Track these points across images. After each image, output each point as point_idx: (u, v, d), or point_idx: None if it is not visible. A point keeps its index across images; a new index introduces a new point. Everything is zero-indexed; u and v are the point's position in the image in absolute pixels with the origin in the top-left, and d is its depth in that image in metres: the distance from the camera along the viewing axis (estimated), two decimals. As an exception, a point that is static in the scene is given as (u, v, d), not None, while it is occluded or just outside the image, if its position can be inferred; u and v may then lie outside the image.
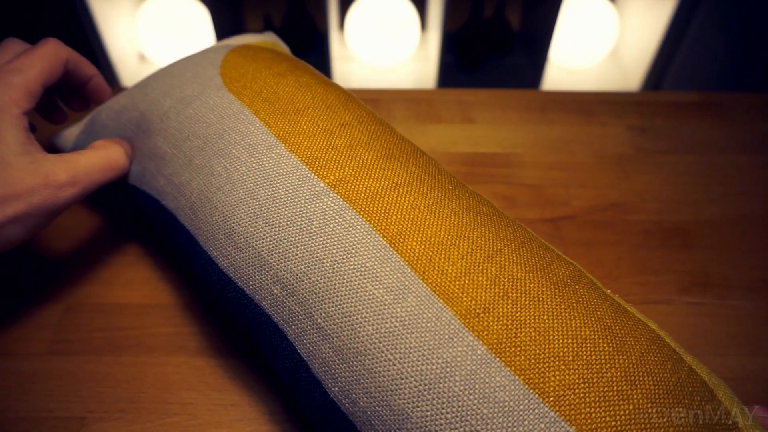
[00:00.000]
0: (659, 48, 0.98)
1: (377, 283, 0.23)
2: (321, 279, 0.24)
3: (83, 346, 0.32)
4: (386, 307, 0.23)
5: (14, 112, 0.27)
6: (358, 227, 0.25)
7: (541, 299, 0.23)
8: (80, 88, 0.33)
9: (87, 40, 0.97)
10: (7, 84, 0.27)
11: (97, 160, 0.29)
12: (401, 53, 1.06)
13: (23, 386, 0.30)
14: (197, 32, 1.03)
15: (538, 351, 0.21)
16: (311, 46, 1.11)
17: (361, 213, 0.25)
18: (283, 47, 0.41)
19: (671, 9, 0.94)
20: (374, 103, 0.48)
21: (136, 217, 0.38)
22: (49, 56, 0.29)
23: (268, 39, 0.40)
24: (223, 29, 0.98)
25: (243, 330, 0.32)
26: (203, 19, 1.03)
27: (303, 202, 0.26)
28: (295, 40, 1.08)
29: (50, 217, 0.28)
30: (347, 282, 0.24)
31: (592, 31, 1.04)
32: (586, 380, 0.21)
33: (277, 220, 0.26)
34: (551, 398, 0.20)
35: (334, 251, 0.24)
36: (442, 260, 0.24)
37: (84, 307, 0.34)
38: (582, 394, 0.20)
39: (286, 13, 1.07)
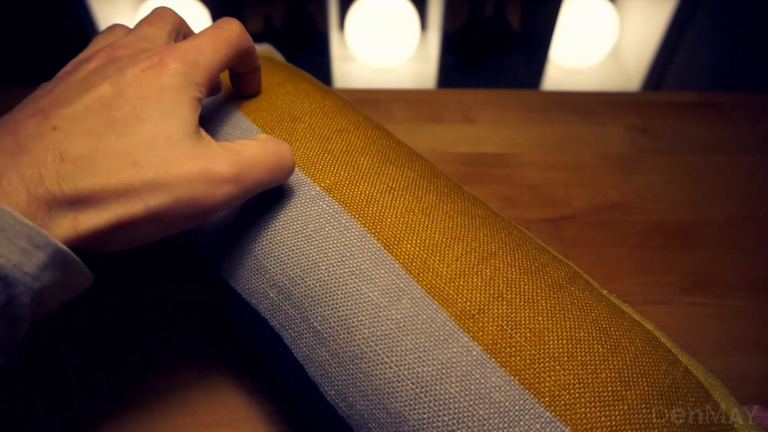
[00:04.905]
0: (659, 48, 0.98)
1: (372, 285, 0.23)
2: (317, 282, 0.24)
3: (83, 346, 0.32)
4: (382, 309, 0.23)
5: (194, 93, 0.23)
6: (353, 230, 0.25)
7: (535, 300, 0.23)
8: (237, 76, 0.30)
9: (87, 40, 0.97)
10: (193, 63, 0.23)
11: (266, 154, 0.24)
12: (401, 53, 1.06)
13: (23, 386, 0.30)
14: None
15: (533, 352, 0.21)
16: (311, 46, 1.11)
17: (356, 216, 0.25)
18: (279, 58, 0.41)
19: (671, 9, 0.94)
20: (374, 103, 0.48)
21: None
22: (236, 41, 0.25)
23: (266, 49, 0.40)
24: (223, 29, 0.98)
25: (240, 333, 0.32)
26: (203, 19, 1.03)
27: (298, 205, 0.26)
28: (295, 40, 1.08)
29: (193, 220, 0.22)
30: (342, 285, 0.24)
31: (592, 31, 1.04)
32: (581, 381, 0.21)
33: (272, 223, 0.26)
34: (547, 398, 0.20)
35: (330, 255, 0.24)
36: (437, 262, 0.24)
37: (84, 307, 0.34)
38: (577, 395, 0.20)
39: (286, 13, 1.07)
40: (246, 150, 0.23)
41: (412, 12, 1.03)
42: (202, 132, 0.23)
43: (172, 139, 0.21)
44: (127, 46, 0.24)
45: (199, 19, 1.03)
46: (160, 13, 0.26)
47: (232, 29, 0.25)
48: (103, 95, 0.21)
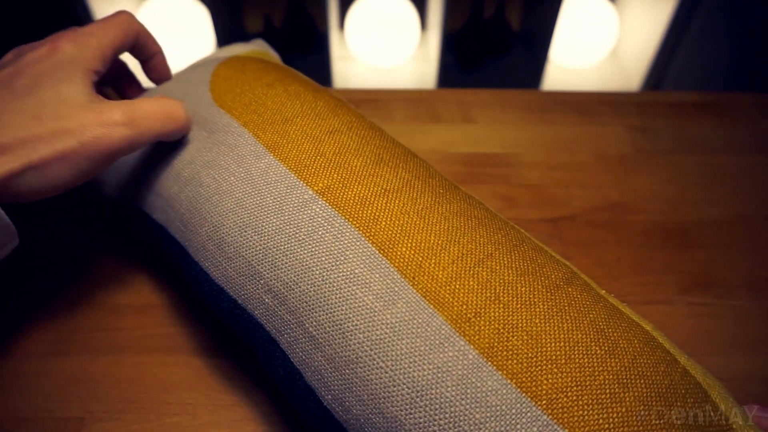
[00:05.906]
0: (659, 48, 0.98)
1: (367, 290, 0.23)
2: (311, 287, 0.24)
3: (83, 346, 0.32)
4: (376, 314, 0.23)
5: (86, 66, 0.27)
6: (347, 234, 0.24)
7: (532, 303, 0.22)
8: (143, 63, 0.33)
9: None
10: (82, 43, 0.27)
11: (156, 107, 0.28)
12: (401, 53, 1.06)
13: (23, 386, 0.30)
14: (197, 32, 1.03)
15: (529, 354, 0.21)
16: (311, 46, 1.11)
17: (350, 220, 0.25)
18: (273, 55, 0.40)
19: (671, 9, 0.94)
20: (374, 103, 0.48)
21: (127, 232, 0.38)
22: (124, 26, 0.29)
23: (258, 48, 0.40)
24: (223, 29, 0.98)
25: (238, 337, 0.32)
26: (203, 19, 1.03)
27: (291, 210, 0.25)
28: (295, 40, 1.08)
29: (100, 160, 0.26)
30: (337, 290, 0.23)
31: (592, 31, 1.04)
32: (578, 383, 0.20)
33: (266, 228, 0.25)
34: (544, 401, 0.20)
35: (323, 259, 0.24)
36: (432, 265, 0.23)
37: (84, 307, 0.34)
38: (574, 397, 0.20)
39: (286, 13, 1.07)
40: (138, 102, 0.28)
41: (412, 12, 1.03)
42: (99, 96, 0.27)
43: (68, 97, 0.26)
44: (31, 45, 0.28)
45: (199, 19, 1.03)
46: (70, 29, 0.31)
47: (121, 16, 0.30)
48: (7, 74, 0.26)
